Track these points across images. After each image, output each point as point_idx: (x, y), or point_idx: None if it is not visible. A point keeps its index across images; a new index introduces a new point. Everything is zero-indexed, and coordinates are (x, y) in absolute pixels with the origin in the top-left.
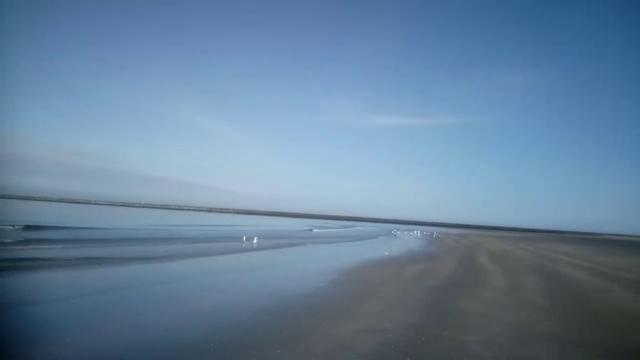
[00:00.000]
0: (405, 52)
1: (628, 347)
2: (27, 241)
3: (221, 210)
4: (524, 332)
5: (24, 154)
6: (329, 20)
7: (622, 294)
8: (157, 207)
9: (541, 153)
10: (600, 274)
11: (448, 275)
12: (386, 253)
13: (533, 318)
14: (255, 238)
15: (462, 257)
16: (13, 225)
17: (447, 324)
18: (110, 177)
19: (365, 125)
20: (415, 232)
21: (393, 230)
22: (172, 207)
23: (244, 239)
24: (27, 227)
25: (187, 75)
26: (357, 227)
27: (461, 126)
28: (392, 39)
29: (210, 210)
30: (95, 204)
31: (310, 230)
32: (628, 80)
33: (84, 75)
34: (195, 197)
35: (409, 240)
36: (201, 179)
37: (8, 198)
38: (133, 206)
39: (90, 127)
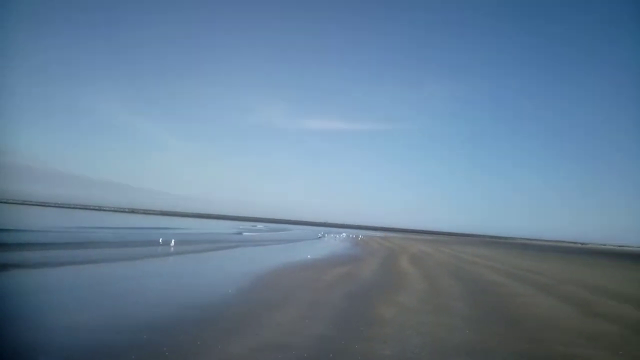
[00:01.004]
0: (336, 61)
1: (552, 359)
2: None
3: (145, 212)
4: (443, 343)
5: None
6: (262, 21)
7: (539, 299)
8: (72, 207)
9: (459, 159)
10: (517, 277)
11: (368, 279)
12: (309, 256)
13: (453, 326)
14: (173, 241)
15: (384, 259)
16: None
17: (360, 335)
18: (21, 174)
19: (295, 127)
20: (341, 234)
21: (320, 233)
22: (91, 207)
23: (160, 242)
24: None
25: (114, 74)
26: (287, 231)
27: (386, 132)
28: (325, 47)
29: (133, 211)
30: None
31: (240, 233)
32: (544, 86)
33: None
34: (117, 198)
35: (334, 242)
36: (123, 179)
37: None
38: (45, 205)
39: None
